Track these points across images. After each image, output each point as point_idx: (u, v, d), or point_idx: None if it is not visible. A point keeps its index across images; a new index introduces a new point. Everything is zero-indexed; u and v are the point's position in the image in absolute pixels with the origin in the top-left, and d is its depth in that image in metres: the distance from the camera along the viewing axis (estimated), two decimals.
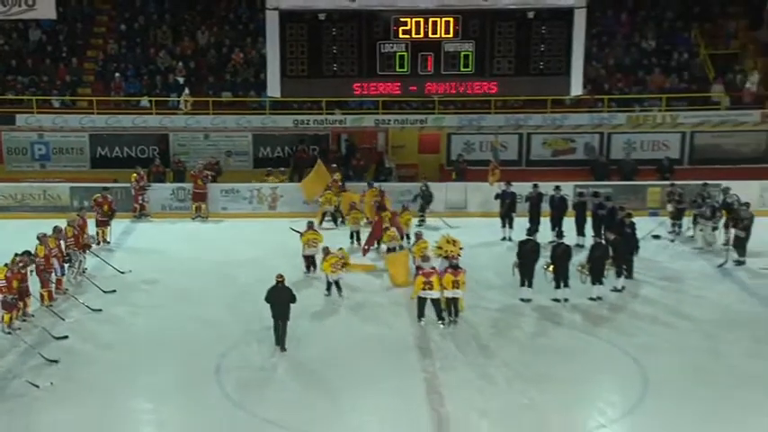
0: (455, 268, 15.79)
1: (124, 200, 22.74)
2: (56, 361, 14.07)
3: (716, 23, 27.49)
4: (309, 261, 18.35)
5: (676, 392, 13.00)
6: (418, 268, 16.57)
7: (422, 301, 15.82)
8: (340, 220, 22.03)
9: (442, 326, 15.65)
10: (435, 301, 15.68)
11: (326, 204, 21.97)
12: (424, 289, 15.69)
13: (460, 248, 17.35)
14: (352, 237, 20.73)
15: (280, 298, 14.58)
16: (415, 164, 25.63)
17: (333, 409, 12.66)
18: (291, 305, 14.62)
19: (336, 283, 17.08)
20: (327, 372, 13.94)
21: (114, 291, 16.95)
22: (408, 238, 19.80)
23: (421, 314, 15.85)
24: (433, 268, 16.01)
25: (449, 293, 15.68)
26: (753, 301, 16.92)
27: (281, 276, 14.88)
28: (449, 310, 15.81)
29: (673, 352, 14.55)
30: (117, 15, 27.95)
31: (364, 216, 21.03)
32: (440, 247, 17.60)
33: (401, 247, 18.93)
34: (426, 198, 22.51)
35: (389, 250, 18.96)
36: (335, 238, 19.87)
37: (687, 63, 26.47)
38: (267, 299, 14.65)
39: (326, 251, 17.47)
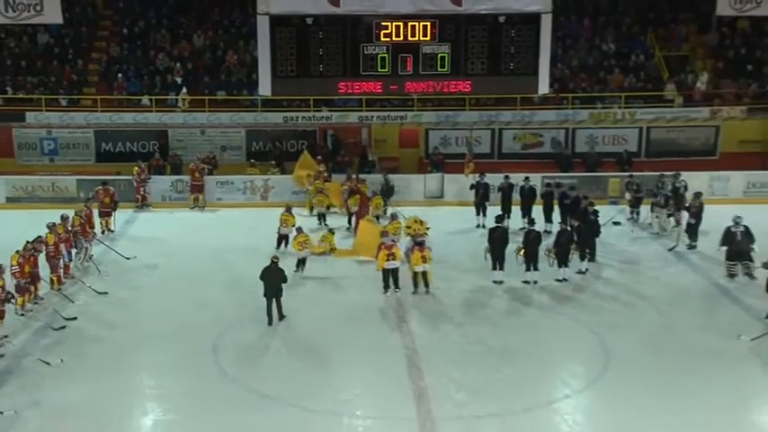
0: (420, 245, 16.32)
1: (127, 191, 22.64)
2: (73, 319, 14.66)
3: (669, 28, 27.64)
4: (282, 239, 18.82)
5: (635, 365, 13.20)
6: (381, 244, 16.83)
7: (386, 273, 16.38)
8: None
9: (398, 292, 16.32)
10: (395, 271, 16.34)
11: (319, 206, 21.77)
12: (387, 260, 16.28)
13: (427, 228, 17.94)
14: (319, 218, 21.25)
15: (273, 278, 14.83)
16: (397, 157, 25.61)
17: (322, 383, 12.73)
18: (283, 284, 14.81)
19: (303, 260, 17.36)
20: (316, 349, 14.02)
21: (105, 293, 16.44)
22: (378, 218, 20.28)
23: (386, 285, 16.38)
24: (393, 241, 16.73)
25: (418, 268, 16.26)
26: (702, 281, 17.12)
27: (276, 258, 15.26)
28: (420, 282, 16.38)
29: (631, 328, 14.72)
30: (119, 20, 27.81)
31: (330, 200, 21.51)
32: (408, 227, 18.20)
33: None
34: (387, 192, 22.27)
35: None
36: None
37: (643, 64, 26.63)
38: (261, 277, 14.90)
39: (299, 230, 17.80)
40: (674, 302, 15.92)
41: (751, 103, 25.23)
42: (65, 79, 25.80)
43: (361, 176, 22.78)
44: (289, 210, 19.36)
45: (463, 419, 11.51)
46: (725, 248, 16.89)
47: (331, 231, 19.12)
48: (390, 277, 16.38)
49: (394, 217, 18.88)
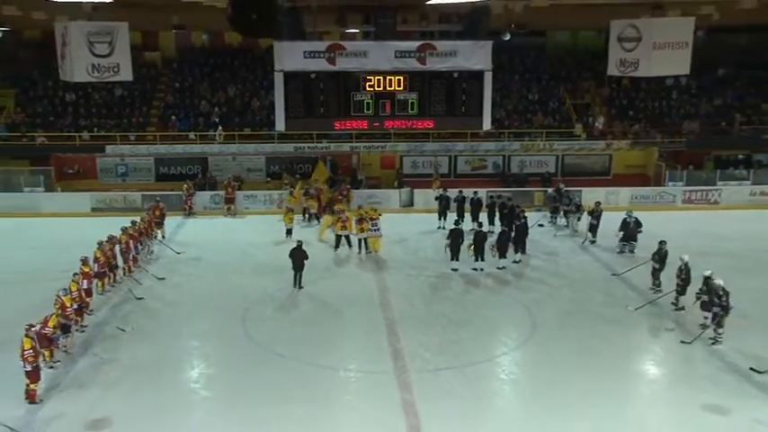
0: (360, 221, 17.94)
1: (177, 203, 22.31)
2: (141, 298, 14.77)
3: (575, 84, 27.70)
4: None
5: (554, 330, 13.24)
6: (338, 218, 18.45)
7: (338, 238, 18.20)
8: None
9: (356, 252, 17.97)
10: (347, 237, 18.08)
11: (312, 208, 21.70)
12: (343, 228, 18.06)
13: (379, 215, 18.38)
14: (303, 213, 21.46)
15: (298, 256, 15.26)
16: (378, 176, 25.44)
17: (323, 345, 12.66)
18: (305, 261, 15.29)
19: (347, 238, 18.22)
20: (318, 320, 13.92)
21: (163, 278, 16.24)
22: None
23: (337, 246, 18.12)
24: (347, 218, 18.33)
25: (361, 235, 17.92)
26: (602, 267, 17.10)
27: (300, 241, 15.66)
28: (362, 246, 17.98)
29: (552, 303, 14.73)
30: (173, 77, 27.43)
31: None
32: (365, 211, 18.75)
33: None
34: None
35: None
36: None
37: (558, 109, 26.64)
38: (290, 255, 15.27)
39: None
40: (581, 283, 15.96)
41: (633, 138, 25.32)
42: (133, 121, 25.49)
43: (351, 189, 22.88)
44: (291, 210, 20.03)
45: (429, 371, 11.50)
46: (621, 233, 17.77)
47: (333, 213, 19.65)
48: (342, 239, 18.08)
49: (361, 211, 19.07)
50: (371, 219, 18.08)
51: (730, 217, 21.82)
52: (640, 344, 12.95)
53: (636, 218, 17.69)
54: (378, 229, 17.93)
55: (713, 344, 12.37)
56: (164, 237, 19.24)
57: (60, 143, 24.23)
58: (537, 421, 10.06)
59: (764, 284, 15.33)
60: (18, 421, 9.88)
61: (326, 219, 19.90)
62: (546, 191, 22.81)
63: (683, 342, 12.53)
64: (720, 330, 12.41)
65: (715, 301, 12.38)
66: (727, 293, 12.32)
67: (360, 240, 17.99)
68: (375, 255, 17.89)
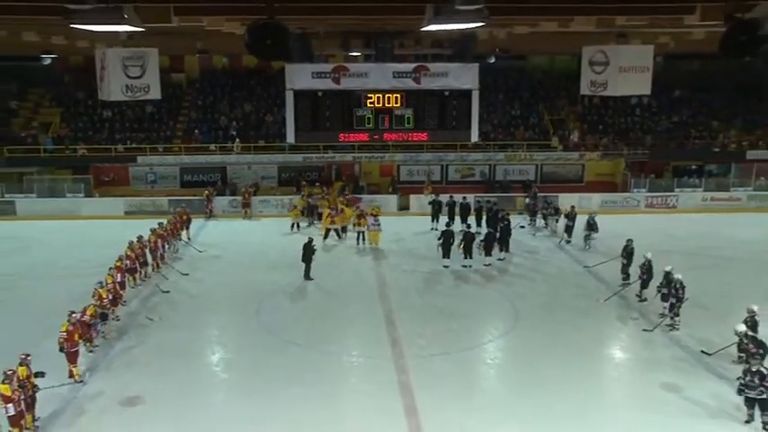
0: (359, 217, 18.27)
1: (200, 206, 22.13)
2: (167, 291, 14.69)
3: (552, 101, 27.62)
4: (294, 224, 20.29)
5: (534, 321, 13.14)
6: (329, 214, 18.70)
7: (327, 231, 18.52)
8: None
9: (343, 238, 18.63)
10: (336, 230, 18.61)
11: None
12: (331, 222, 18.49)
13: (380, 212, 19.14)
14: (309, 213, 21.26)
15: (308, 249, 15.50)
16: (378, 183, 25.28)
17: (328, 333, 12.56)
18: (313, 255, 15.54)
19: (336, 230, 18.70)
20: (325, 311, 13.80)
21: (187, 274, 16.05)
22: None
23: (325, 236, 18.37)
24: (336, 213, 18.76)
25: (358, 229, 18.26)
26: (576, 264, 17.01)
27: (311, 238, 16.05)
28: (361, 239, 18.25)
29: (530, 296, 14.61)
30: (196, 95, 27.33)
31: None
32: (365, 208, 19.37)
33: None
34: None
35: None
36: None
37: (537, 124, 26.55)
38: (303, 248, 15.53)
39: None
40: (558, 278, 15.86)
41: (603, 150, 25.20)
42: (161, 134, 25.35)
43: (356, 196, 22.62)
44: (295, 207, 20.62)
45: (423, 357, 11.40)
46: (586, 232, 17.97)
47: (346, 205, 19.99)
48: (332, 231, 18.48)
49: (360, 213, 19.06)
50: (374, 215, 18.59)
51: (686, 219, 21.80)
52: (609, 331, 12.87)
53: (594, 220, 17.88)
54: (378, 224, 18.27)
55: (671, 330, 12.38)
56: (188, 239, 19.09)
57: (98, 154, 24.18)
58: (519, 399, 10.01)
59: (716, 279, 15.30)
60: (63, 397, 9.90)
61: (326, 212, 19.44)
62: (526, 197, 22.58)
63: (645, 330, 12.48)
64: (677, 318, 12.41)
65: (672, 293, 12.41)
66: (683, 287, 12.34)
67: (358, 234, 18.35)
68: (375, 247, 18.04)
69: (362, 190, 24.35)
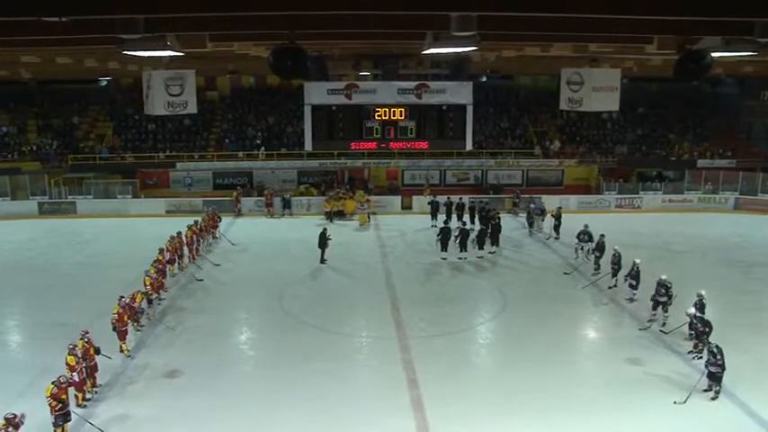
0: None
1: (229, 206, 22.12)
2: (201, 279, 14.59)
3: (536, 115, 27.43)
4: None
5: (520, 307, 13.06)
6: (327, 201, 20.53)
7: (328, 213, 20.19)
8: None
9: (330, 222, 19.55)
10: (334, 213, 20.25)
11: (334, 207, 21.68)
12: (331, 207, 20.22)
13: (367, 200, 20.32)
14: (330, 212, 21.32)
15: (324, 237, 15.74)
16: (384, 185, 25.12)
17: (340, 316, 12.52)
18: (328, 242, 15.77)
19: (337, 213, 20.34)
20: (336, 297, 13.76)
21: (218, 264, 16.16)
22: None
23: (328, 217, 20.07)
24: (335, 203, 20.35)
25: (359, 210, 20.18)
26: (559, 258, 16.85)
27: (325, 228, 16.36)
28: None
29: (518, 284, 14.54)
30: (227, 110, 27.33)
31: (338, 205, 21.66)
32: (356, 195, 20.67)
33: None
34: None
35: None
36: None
37: (523, 134, 26.39)
38: (319, 236, 15.76)
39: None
40: (542, 270, 15.75)
41: (579, 158, 25.08)
42: (197, 144, 25.39)
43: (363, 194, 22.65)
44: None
45: (424, 338, 11.38)
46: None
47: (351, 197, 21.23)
48: (332, 214, 20.00)
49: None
50: (361, 202, 20.28)
51: (649, 218, 21.66)
52: (583, 315, 12.79)
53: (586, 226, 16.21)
54: (364, 209, 20.18)
55: (631, 302, 12.57)
56: (216, 237, 18.82)
57: (143, 161, 24.26)
58: (506, 372, 10.03)
59: (674, 269, 14.80)
60: (115, 370, 9.99)
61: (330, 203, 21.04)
62: (515, 195, 22.66)
63: (640, 329, 11.81)
64: (666, 315, 11.61)
65: (662, 292, 11.67)
66: (638, 272, 12.59)
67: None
68: (366, 225, 19.89)
69: (371, 191, 24.32)
